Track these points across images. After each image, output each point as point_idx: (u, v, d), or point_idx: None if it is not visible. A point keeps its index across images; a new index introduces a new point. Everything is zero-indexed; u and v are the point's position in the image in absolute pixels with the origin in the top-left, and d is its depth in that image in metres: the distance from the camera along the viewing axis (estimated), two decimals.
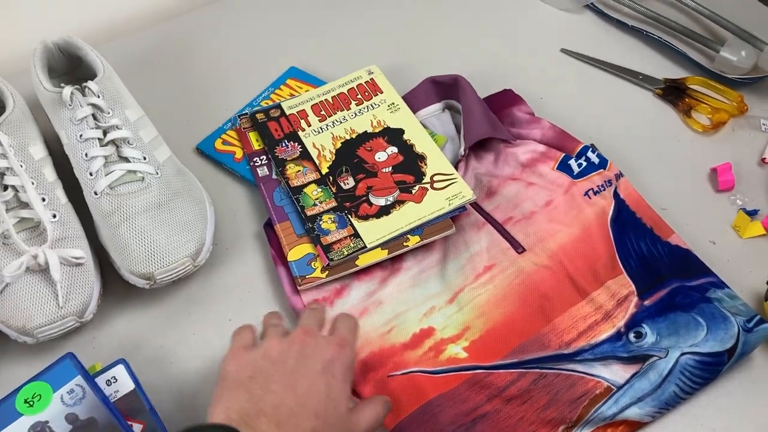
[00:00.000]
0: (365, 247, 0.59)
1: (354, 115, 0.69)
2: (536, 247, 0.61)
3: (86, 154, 0.59)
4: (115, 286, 0.59)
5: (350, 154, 0.66)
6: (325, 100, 0.71)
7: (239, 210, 0.66)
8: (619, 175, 0.66)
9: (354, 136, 0.67)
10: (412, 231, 0.60)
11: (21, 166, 0.58)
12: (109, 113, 0.61)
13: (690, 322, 0.56)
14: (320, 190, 0.63)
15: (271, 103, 0.72)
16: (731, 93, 0.74)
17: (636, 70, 0.76)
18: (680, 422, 0.53)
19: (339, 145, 0.67)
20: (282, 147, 0.67)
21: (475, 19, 0.83)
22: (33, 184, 0.58)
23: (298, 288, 0.58)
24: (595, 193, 0.64)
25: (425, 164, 0.64)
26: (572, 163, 0.66)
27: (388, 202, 0.62)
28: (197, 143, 0.70)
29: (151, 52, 0.80)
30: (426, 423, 0.52)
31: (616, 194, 0.64)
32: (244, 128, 0.70)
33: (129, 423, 0.49)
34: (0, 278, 0.54)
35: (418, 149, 0.65)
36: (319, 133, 0.67)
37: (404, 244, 0.60)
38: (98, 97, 0.61)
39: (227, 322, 0.59)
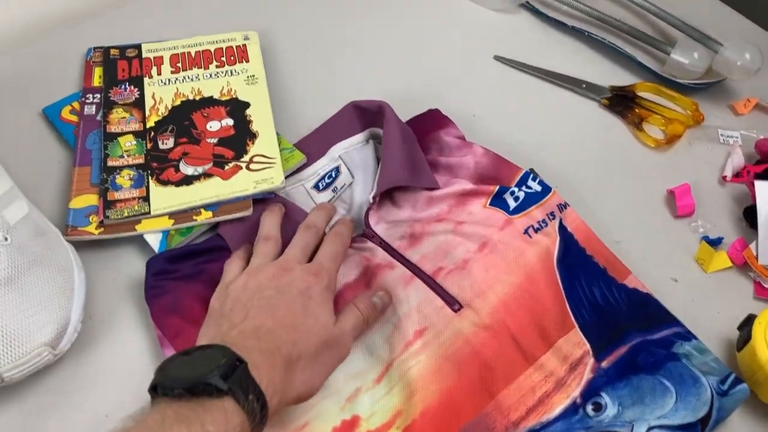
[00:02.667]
0: (149, 213, 0.56)
1: (209, 76, 0.66)
2: (474, 302, 0.52)
3: None
4: None
5: (184, 115, 0.63)
6: (188, 52, 0.68)
7: (123, 269, 0.55)
8: (563, 206, 0.57)
9: (198, 98, 0.64)
10: (207, 206, 0.57)
11: None
12: None
13: (656, 386, 0.48)
14: (134, 143, 0.60)
15: None
16: (685, 101, 0.66)
17: (579, 78, 0.68)
18: None
19: (178, 102, 0.64)
20: (119, 89, 0.64)
21: (399, 25, 0.73)
22: None
23: (65, 237, 0.53)
24: (536, 231, 0.55)
25: (252, 143, 0.61)
26: (507, 196, 0.56)
27: (196, 173, 0.58)
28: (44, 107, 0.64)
29: None
30: None
31: (561, 228, 0.56)
32: (93, 62, 0.67)
33: None
34: None
35: (254, 127, 0.62)
36: (164, 84, 0.65)
37: (194, 217, 0.56)
38: None
39: (103, 419, 0.48)
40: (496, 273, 0.53)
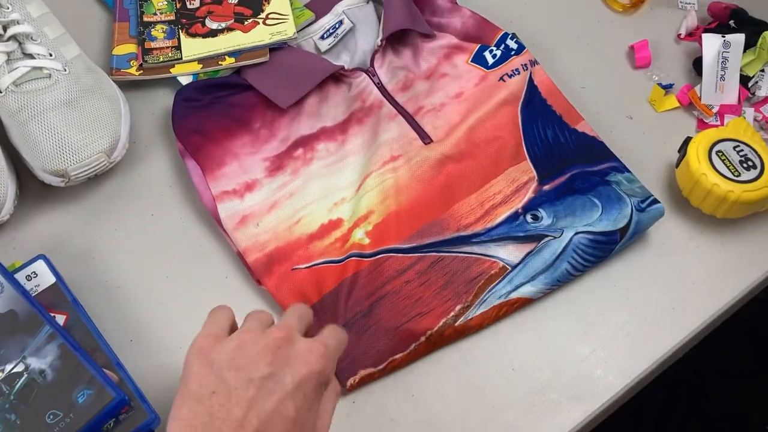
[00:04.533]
0: (181, 59, 0.66)
1: None
2: (443, 137, 0.63)
3: None
4: (32, 187, 0.61)
5: None
6: None
7: (157, 112, 0.66)
8: (534, 62, 0.66)
9: None
10: (230, 53, 0.67)
11: None
12: (8, 8, 0.60)
13: (586, 203, 0.59)
14: (166, 3, 0.70)
15: None
16: None
17: None
18: (599, 285, 0.58)
19: None
20: None
21: None
22: None
23: (111, 77, 0.64)
24: (510, 77, 0.65)
25: (268, 3, 0.69)
26: (487, 54, 0.66)
27: (220, 27, 0.68)
28: None
29: None
30: (328, 311, 0.55)
31: (530, 80, 0.65)
32: None
33: (52, 314, 0.52)
34: None
35: None
36: None
37: (219, 62, 0.66)
38: None
39: (149, 216, 0.61)
40: (467, 113, 0.64)
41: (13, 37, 0.59)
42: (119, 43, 0.68)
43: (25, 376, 0.48)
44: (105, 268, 0.58)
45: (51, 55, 0.60)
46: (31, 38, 0.60)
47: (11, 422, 0.47)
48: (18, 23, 0.60)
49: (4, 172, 0.58)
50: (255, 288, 0.58)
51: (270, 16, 0.69)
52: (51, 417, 0.47)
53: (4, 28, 0.59)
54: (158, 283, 0.58)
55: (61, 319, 0.52)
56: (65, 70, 0.60)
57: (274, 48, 0.67)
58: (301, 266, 0.58)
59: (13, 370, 0.48)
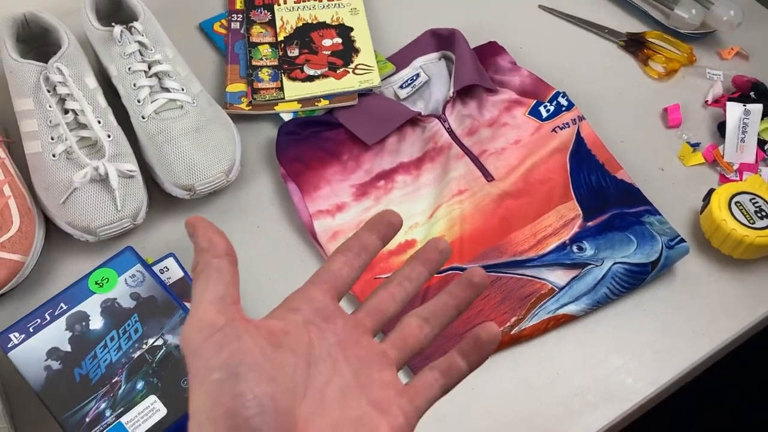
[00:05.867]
0: (283, 98, 0.78)
1: (323, 6, 0.87)
2: (503, 176, 0.74)
3: (134, 84, 0.72)
4: (158, 198, 0.73)
5: (305, 33, 0.84)
6: None
7: (262, 141, 0.78)
8: (581, 117, 0.78)
9: (314, 21, 0.85)
10: (325, 96, 0.79)
11: (80, 92, 0.70)
12: (152, 50, 0.72)
13: (624, 239, 0.70)
14: (270, 50, 0.82)
15: None
16: (683, 46, 0.85)
17: (603, 25, 0.88)
18: (632, 308, 0.68)
19: (300, 24, 0.85)
20: (257, 12, 0.86)
21: None
22: (90, 107, 0.70)
23: (225, 110, 0.77)
24: (561, 129, 0.77)
25: (356, 56, 0.82)
26: (541, 108, 0.78)
27: (316, 74, 0.80)
28: (199, 22, 0.87)
29: None
30: (403, 314, 0.66)
31: (578, 133, 0.77)
32: None
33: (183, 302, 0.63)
34: (69, 185, 0.67)
35: (357, 45, 0.83)
36: (290, 11, 0.86)
37: (315, 103, 0.78)
38: (142, 35, 0.72)
39: (255, 228, 0.72)
40: (524, 157, 0.75)
41: (155, 74, 0.72)
42: (231, 82, 0.80)
43: (164, 348, 0.59)
44: None
45: (183, 89, 0.73)
46: (168, 75, 0.72)
47: (154, 384, 0.58)
48: (160, 63, 0.72)
49: (141, 184, 0.70)
50: None
51: (358, 66, 0.81)
52: (185, 382, 0.58)
53: (149, 66, 0.72)
54: (263, 284, 0.69)
55: (188, 306, 0.63)
56: (193, 103, 0.73)
57: (362, 93, 0.79)
58: (382, 276, 0.69)
59: (155, 344, 0.60)
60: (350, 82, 0.80)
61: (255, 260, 0.70)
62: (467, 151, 0.76)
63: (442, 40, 0.83)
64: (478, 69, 0.79)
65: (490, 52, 0.83)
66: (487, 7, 0.90)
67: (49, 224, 0.70)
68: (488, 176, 0.74)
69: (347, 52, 0.83)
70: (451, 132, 0.77)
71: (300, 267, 0.70)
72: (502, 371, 0.65)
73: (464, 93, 0.79)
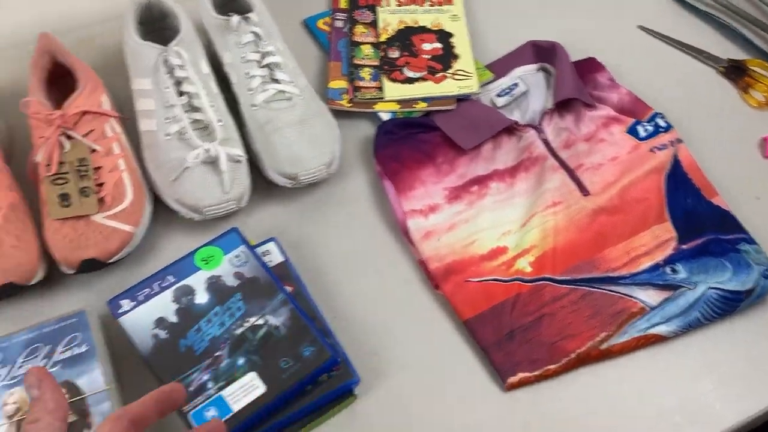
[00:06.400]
0: (383, 98, 0.80)
1: (424, 12, 0.89)
2: (599, 192, 0.74)
3: (247, 73, 0.74)
4: (260, 185, 0.74)
5: (406, 36, 0.86)
6: None
7: (359, 138, 0.80)
8: (679, 140, 0.78)
9: (416, 25, 0.87)
10: (423, 99, 0.80)
11: (196, 76, 0.73)
12: (265, 41, 0.75)
13: (719, 265, 0.70)
14: (372, 50, 0.84)
15: None
16: None
17: (703, 49, 0.87)
18: (724, 334, 0.68)
19: (402, 27, 0.87)
20: (360, 12, 0.88)
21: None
22: (204, 92, 0.73)
23: (327, 105, 0.78)
24: (659, 150, 0.77)
25: (456, 61, 0.83)
26: (640, 128, 0.78)
27: (416, 76, 0.82)
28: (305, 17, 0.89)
29: None
30: (495, 319, 0.67)
31: (675, 156, 0.77)
32: None
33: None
34: (180, 163, 0.70)
35: (456, 51, 0.84)
36: (392, 13, 0.88)
37: (413, 105, 0.80)
38: (257, 26, 0.75)
39: (351, 221, 0.74)
40: (621, 175, 0.75)
41: (267, 65, 0.74)
42: (333, 79, 0.82)
43: (265, 328, 0.61)
44: (314, 256, 0.71)
45: (292, 82, 0.75)
46: (279, 67, 0.75)
47: (255, 362, 0.60)
48: (272, 54, 0.75)
49: (247, 169, 0.72)
50: (430, 292, 0.70)
51: (458, 72, 0.83)
52: (284, 363, 0.60)
53: (262, 57, 0.74)
54: (356, 275, 0.70)
55: (289, 289, 0.65)
56: (301, 96, 0.75)
57: (460, 98, 0.80)
58: (473, 279, 0.70)
59: (256, 323, 0.61)
60: (449, 86, 0.81)
61: (349, 253, 0.72)
62: (563, 164, 0.76)
63: (542, 53, 0.84)
64: (577, 83, 0.80)
65: (589, 67, 0.83)
66: (586, 23, 0.90)
67: (156, 200, 0.73)
68: (584, 190, 0.75)
69: (446, 57, 0.84)
70: (547, 143, 0.77)
71: (390, 263, 0.71)
72: (588, 386, 0.65)
73: (562, 106, 0.80)
